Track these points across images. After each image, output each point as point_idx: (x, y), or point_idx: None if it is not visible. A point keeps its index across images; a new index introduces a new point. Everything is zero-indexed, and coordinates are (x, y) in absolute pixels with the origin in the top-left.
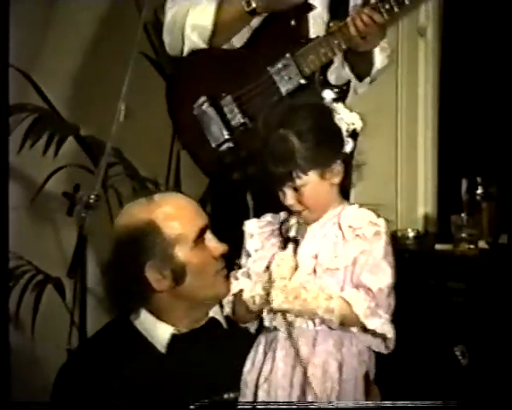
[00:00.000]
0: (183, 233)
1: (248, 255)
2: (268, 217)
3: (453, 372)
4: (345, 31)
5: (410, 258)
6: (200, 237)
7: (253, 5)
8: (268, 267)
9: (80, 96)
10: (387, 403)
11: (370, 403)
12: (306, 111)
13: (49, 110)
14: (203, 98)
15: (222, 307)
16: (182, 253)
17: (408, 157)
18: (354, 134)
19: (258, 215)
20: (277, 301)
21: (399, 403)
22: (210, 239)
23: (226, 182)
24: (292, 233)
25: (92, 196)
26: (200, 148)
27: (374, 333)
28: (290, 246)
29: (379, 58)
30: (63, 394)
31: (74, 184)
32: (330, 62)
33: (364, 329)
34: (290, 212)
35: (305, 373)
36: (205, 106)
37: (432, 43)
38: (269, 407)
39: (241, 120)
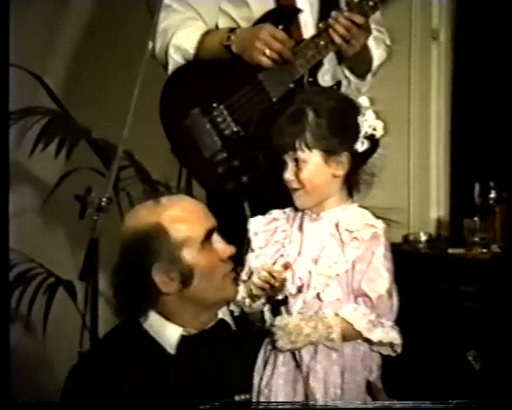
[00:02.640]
0: (190, 236)
1: (251, 252)
2: (274, 213)
3: (466, 377)
4: (330, 31)
5: (422, 261)
6: (207, 240)
7: (231, 42)
8: (274, 263)
9: (92, 98)
10: (386, 403)
11: (375, 404)
12: (332, 94)
13: (61, 113)
14: (196, 110)
15: (231, 310)
16: (189, 255)
17: (421, 161)
18: (373, 140)
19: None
20: (281, 343)
21: (398, 404)
22: (217, 241)
23: (222, 192)
24: (280, 296)
25: (104, 199)
26: (194, 160)
27: (380, 343)
28: (283, 308)
29: (376, 53)
30: (74, 395)
31: (86, 187)
32: (320, 63)
33: (370, 341)
34: (295, 209)
35: (306, 379)
36: (198, 117)
37: (445, 46)
38: (281, 406)
39: (234, 129)
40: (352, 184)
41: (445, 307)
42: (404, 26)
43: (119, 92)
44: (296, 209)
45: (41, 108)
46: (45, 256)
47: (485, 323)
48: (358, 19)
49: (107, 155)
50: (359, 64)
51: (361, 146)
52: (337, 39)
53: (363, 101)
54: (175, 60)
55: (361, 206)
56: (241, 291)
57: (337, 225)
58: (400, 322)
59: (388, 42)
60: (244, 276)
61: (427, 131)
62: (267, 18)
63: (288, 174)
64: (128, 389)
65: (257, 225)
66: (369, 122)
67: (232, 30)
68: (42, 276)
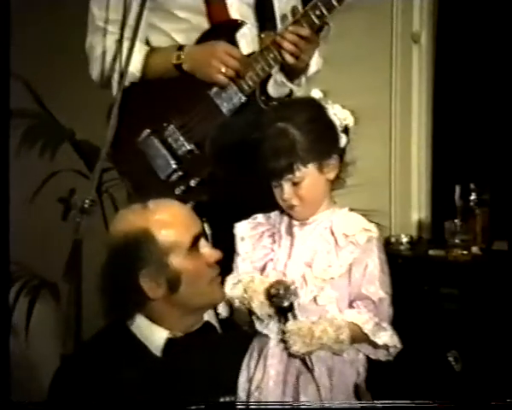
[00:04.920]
0: (177, 241)
1: (238, 257)
2: (258, 218)
3: (446, 378)
4: (280, 41)
5: (403, 263)
6: (194, 245)
7: (181, 60)
8: (264, 267)
9: (76, 100)
10: (378, 403)
11: (363, 404)
12: (300, 105)
13: (45, 115)
14: (146, 132)
15: (216, 312)
16: (176, 261)
17: (402, 163)
18: (346, 130)
19: (216, 243)
20: (297, 348)
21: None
22: (204, 246)
23: None
24: (285, 303)
25: (87, 201)
26: (149, 182)
27: (385, 347)
28: (289, 316)
29: (313, 61)
30: (58, 398)
31: (69, 189)
32: (269, 76)
33: (374, 345)
34: (281, 212)
35: (296, 382)
36: (148, 139)
37: (426, 49)
38: (267, 406)
39: (188, 148)
40: (337, 181)
41: (426, 309)
42: (385, 29)
43: (103, 94)
44: (282, 213)
45: (25, 109)
46: (29, 258)
47: (466, 324)
48: (304, 32)
49: (90, 156)
50: (295, 71)
51: (342, 142)
52: (287, 57)
53: (316, 93)
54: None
55: (351, 209)
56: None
57: (332, 230)
58: None
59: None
60: (233, 279)
61: (409, 134)
62: (209, 35)
63: (287, 195)
64: (114, 391)
65: (243, 230)
66: (338, 115)
67: (180, 48)
68: (25, 278)
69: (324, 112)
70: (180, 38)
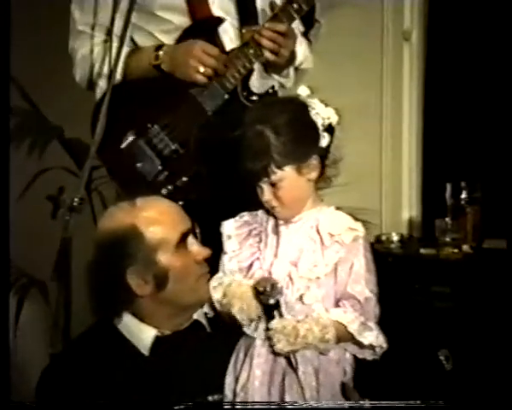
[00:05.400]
0: (165, 238)
1: (224, 255)
2: (245, 216)
3: (437, 377)
4: (258, 38)
5: (394, 262)
6: (182, 242)
7: (160, 61)
8: (251, 266)
9: (65, 98)
10: (358, 403)
11: (350, 404)
12: (282, 106)
13: (33, 112)
14: (130, 133)
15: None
16: (164, 258)
17: (392, 161)
18: (330, 129)
19: (204, 241)
20: (281, 346)
21: (369, 404)
22: (192, 243)
23: None
24: (271, 301)
25: (76, 199)
26: (136, 184)
27: (370, 347)
28: (275, 313)
29: (300, 50)
30: (46, 398)
31: (58, 187)
32: (251, 72)
33: (359, 344)
34: (267, 211)
35: (282, 381)
36: (133, 141)
37: (417, 47)
38: (254, 407)
39: (173, 148)
40: (321, 180)
41: (417, 307)
42: (376, 26)
43: (92, 92)
44: (268, 211)
45: (13, 107)
46: (17, 256)
47: (457, 323)
48: (280, 27)
49: (79, 154)
50: (283, 66)
51: (324, 141)
52: (267, 54)
53: (303, 90)
54: (101, 86)
55: (338, 208)
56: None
57: (317, 229)
58: None
59: (311, 39)
60: (214, 282)
61: (399, 132)
62: (190, 32)
63: (266, 196)
64: (101, 390)
65: (229, 229)
66: (321, 114)
67: (158, 48)
68: (13, 276)
69: (305, 112)
70: (165, 39)
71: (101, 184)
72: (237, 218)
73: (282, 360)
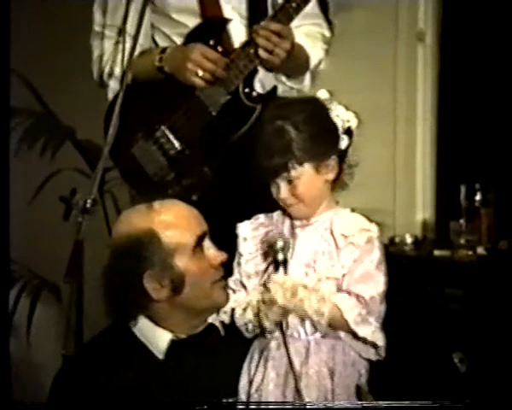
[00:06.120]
0: (182, 242)
1: (241, 257)
2: (261, 218)
3: (451, 379)
4: (254, 37)
5: (407, 264)
6: (198, 246)
7: (163, 63)
8: (267, 269)
9: (77, 99)
10: (381, 404)
11: (364, 404)
12: (302, 104)
13: (46, 114)
14: (139, 134)
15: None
16: (181, 262)
17: (406, 163)
18: (349, 132)
19: (213, 240)
20: (276, 296)
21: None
22: (209, 247)
23: None
24: (280, 257)
25: (89, 201)
26: (144, 184)
27: (365, 341)
28: (281, 269)
29: (313, 52)
30: (59, 400)
31: (71, 189)
32: (255, 71)
33: (355, 336)
34: (283, 212)
35: (296, 384)
36: (141, 141)
37: (431, 48)
38: (268, 407)
39: (179, 148)
40: (337, 183)
41: (431, 310)
42: (390, 27)
43: (104, 92)
44: (284, 213)
45: (26, 108)
46: (30, 258)
47: (471, 325)
48: (274, 27)
49: (91, 156)
50: (294, 68)
51: (343, 143)
52: (261, 52)
53: (322, 94)
54: (112, 87)
55: (353, 210)
56: (233, 302)
57: (331, 231)
58: (386, 324)
59: (327, 33)
60: (232, 284)
61: (413, 133)
62: (196, 33)
63: (283, 194)
64: (116, 393)
65: (245, 231)
66: (341, 116)
67: (163, 50)
68: (26, 278)
69: (326, 112)
70: (180, 42)
71: (114, 186)
72: (253, 220)
73: (298, 363)
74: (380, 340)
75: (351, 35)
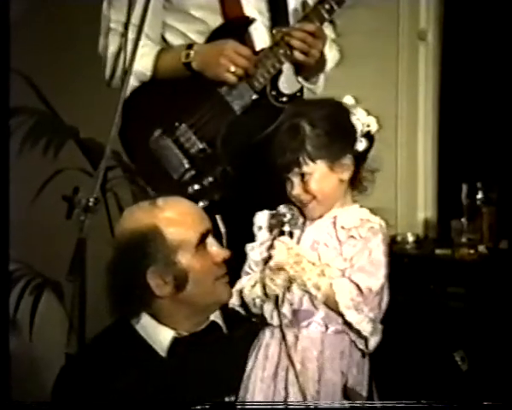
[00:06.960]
0: (185, 239)
1: (253, 247)
2: (281, 208)
3: (453, 377)
4: (288, 39)
5: (409, 262)
6: (201, 243)
7: (191, 59)
8: (269, 258)
9: (80, 98)
10: (367, 404)
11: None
12: (322, 104)
13: (49, 113)
14: (158, 131)
15: (223, 312)
16: (184, 259)
17: (408, 162)
18: (369, 136)
19: (231, 241)
20: (279, 256)
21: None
22: (212, 244)
23: None
24: (286, 228)
25: (91, 200)
26: (163, 182)
27: (350, 327)
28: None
29: (330, 56)
30: (62, 398)
31: (73, 188)
32: (280, 72)
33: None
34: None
35: (286, 375)
36: (161, 139)
37: (432, 47)
38: (274, 406)
39: (200, 147)
40: (356, 185)
41: (433, 308)
42: (392, 26)
43: (107, 91)
44: (298, 208)
45: (28, 107)
46: (32, 257)
47: (473, 324)
48: (310, 27)
49: (94, 154)
50: (313, 71)
51: (360, 145)
52: (296, 54)
53: (348, 100)
54: (131, 84)
55: (362, 206)
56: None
57: (334, 224)
58: (388, 322)
59: (333, 35)
60: (247, 268)
61: (415, 132)
62: (220, 32)
63: (296, 190)
64: (118, 391)
65: (261, 220)
66: (362, 120)
67: (189, 46)
68: (28, 276)
69: (346, 115)
70: (197, 39)
71: (117, 185)
72: (273, 211)
73: (291, 351)
74: (366, 331)
75: (352, 34)
